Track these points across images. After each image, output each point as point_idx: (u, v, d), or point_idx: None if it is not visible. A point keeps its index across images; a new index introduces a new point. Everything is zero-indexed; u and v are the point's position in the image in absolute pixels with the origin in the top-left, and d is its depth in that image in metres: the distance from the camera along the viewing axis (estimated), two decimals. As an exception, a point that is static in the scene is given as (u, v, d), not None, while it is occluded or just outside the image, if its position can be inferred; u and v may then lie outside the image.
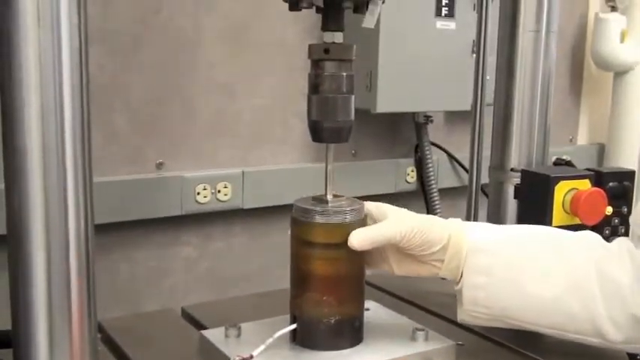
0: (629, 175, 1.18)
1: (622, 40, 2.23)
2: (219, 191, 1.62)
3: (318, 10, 0.88)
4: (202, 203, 1.60)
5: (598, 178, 1.15)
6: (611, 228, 1.15)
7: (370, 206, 0.94)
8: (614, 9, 2.23)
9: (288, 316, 0.94)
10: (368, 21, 0.87)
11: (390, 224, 0.90)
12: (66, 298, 0.76)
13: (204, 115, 1.61)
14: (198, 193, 1.59)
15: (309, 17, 0.92)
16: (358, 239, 0.87)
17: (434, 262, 0.92)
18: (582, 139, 2.47)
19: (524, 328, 0.93)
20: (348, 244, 0.87)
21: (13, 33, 0.73)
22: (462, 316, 0.95)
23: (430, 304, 1.16)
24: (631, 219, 0.99)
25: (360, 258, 0.92)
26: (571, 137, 2.41)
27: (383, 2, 0.88)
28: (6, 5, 0.73)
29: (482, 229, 0.96)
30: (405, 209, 0.94)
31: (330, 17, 0.88)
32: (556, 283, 0.89)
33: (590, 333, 0.89)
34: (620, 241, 0.93)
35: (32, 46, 0.73)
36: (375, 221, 0.92)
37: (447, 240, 0.91)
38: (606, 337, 0.88)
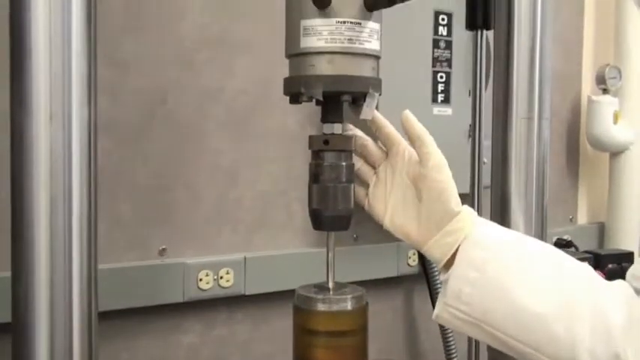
0: (628, 256, 1.19)
1: (615, 122, 2.28)
2: (221, 277, 1.62)
3: (318, 102, 0.92)
4: (204, 290, 1.60)
5: (597, 260, 1.16)
6: (612, 310, 1.15)
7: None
8: (605, 91, 2.29)
9: (291, 406, 0.93)
10: (365, 113, 0.90)
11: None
12: (69, 387, 0.76)
13: (206, 202, 1.64)
14: (201, 280, 1.60)
15: (310, 105, 0.95)
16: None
17: (432, 224, 0.90)
18: (582, 218, 2.48)
19: (498, 340, 0.88)
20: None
21: (25, 129, 0.76)
22: (439, 312, 0.90)
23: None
24: (629, 272, 0.95)
25: (363, 345, 0.92)
26: (571, 217, 2.42)
27: (380, 95, 0.91)
28: (20, 102, 0.76)
29: (491, 225, 0.93)
30: None
31: (330, 110, 0.91)
32: (547, 300, 0.85)
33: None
34: (621, 284, 0.91)
35: (44, 142, 0.76)
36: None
37: (457, 213, 0.90)
38: None
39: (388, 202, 0.95)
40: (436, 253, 0.90)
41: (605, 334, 0.84)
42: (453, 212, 0.90)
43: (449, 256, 0.89)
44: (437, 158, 0.92)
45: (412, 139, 0.94)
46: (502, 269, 0.87)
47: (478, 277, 0.86)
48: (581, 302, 0.86)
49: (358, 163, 0.98)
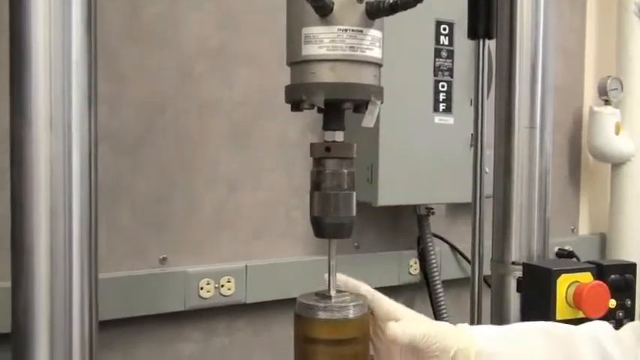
0: (631, 267, 1.18)
1: (617, 133, 2.28)
2: (222, 286, 1.62)
3: (320, 110, 0.91)
4: (205, 298, 1.60)
5: (599, 270, 1.16)
6: (615, 321, 1.15)
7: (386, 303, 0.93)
8: (607, 102, 2.29)
9: (292, 415, 0.92)
10: (367, 121, 0.90)
11: (419, 323, 0.90)
12: (68, 398, 0.75)
13: (206, 211, 1.63)
14: (202, 288, 1.59)
15: (311, 113, 0.95)
16: (402, 333, 0.87)
17: None
18: (584, 229, 2.48)
19: None
20: (390, 334, 0.87)
21: (25, 139, 0.76)
22: None
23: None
24: None
25: (365, 353, 0.91)
26: (573, 227, 2.42)
27: (381, 103, 0.91)
28: (19, 112, 0.76)
29: (487, 331, 0.95)
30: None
31: (331, 117, 0.91)
32: None
33: None
34: (633, 327, 0.91)
35: (43, 152, 0.75)
36: (383, 315, 0.92)
37: (458, 346, 0.90)
38: None
39: (393, 355, 0.95)
40: None
41: None
42: (451, 349, 0.90)
43: None
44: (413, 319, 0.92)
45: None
46: None
47: None
48: None
49: None
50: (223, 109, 1.64)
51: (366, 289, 0.95)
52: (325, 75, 0.87)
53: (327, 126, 0.92)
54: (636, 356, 0.88)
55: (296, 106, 0.91)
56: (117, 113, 1.50)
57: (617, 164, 2.35)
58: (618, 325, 1.14)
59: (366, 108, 0.90)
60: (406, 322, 0.90)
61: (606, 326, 0.94)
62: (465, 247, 1.97)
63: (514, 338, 0.94)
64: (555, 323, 0.96)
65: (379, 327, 0.94)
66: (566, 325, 0.96)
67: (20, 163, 0.76)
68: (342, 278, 0.96)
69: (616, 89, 2.27)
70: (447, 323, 0.96)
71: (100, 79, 0.89)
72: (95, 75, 0.84)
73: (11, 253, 0.77)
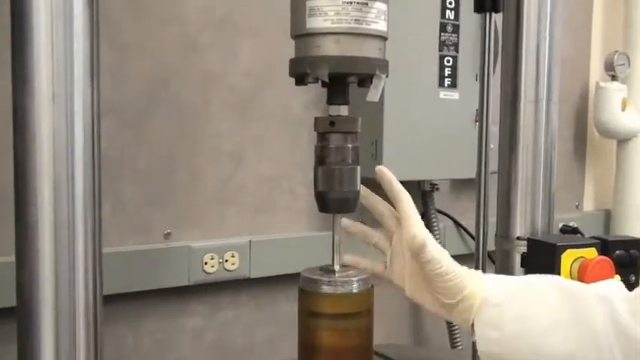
0: (636, 243, 1.18)
1: (623, 109, 2.26)
2: (226, 261, 1.62)
3: (324, 84, 0.91)
4: (210, 273, 1.60)
5: (604, 246, 1.15)
6: (619, 297, 1.15)
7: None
8: (614, 78, 2.27)
9: (296, 388, 0.93)
10: (372, 95, 0.89)
11: (443, 252, 0.90)
12: (74, 369, 0.76)
13: (211, 185, 1.63)
14: (206, 263, 1.60)
15: (315, 88, 0.94)
16: (422, 238, 0.88)
17: (446, 304, 0.91)
18: (588, 205, 2.47)
19: None
20: (410, 236, 0.88)
21: (27, 108, 0.75)
22: None
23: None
24: None
25: (368, 328, 0.92)
26: (577, 203, 2.41)
27: (386, 77, 0.90)
28: (22, 81, 0.75)
29: (496, 281, 0.94)
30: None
31: (336, 92, 0.91)
32: (569, 336, 0.87)
33: None
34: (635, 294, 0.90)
35: (46, 122, 0.75)
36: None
37: (467, 292, 0.90)
38: None
39: (405, 274, 0.95)
40: (458, 320, 0.93)
41: (634, 352, 0.84)
42: (461, 285, 0.91)
43: (471, 322, 0.91)
44: (425, 246, 0.91)
45: (392, 199, 0.95)
46: (517, 320, 0.89)
47: (500, 335, 0.89)
48: (604, 330, 0.86)
49: (375, 236, 0.98)
50: (227, 82, 1.63)
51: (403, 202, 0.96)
52: (330, 48, 0.87)
53: (332, 100, 0.91)
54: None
55: (300, 79, 0.91)
56: (120, 86, 1.49)
57: (623, 140, 2.33)
58: (622, 300, 1.14)
59: (371, 82, 0.90)
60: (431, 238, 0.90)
61: (618, 286, 0.93)
62: (469, 223, 1.97)
63: (523, 289, 0.92)
64: (568, 280, 0.95)
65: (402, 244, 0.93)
66: (579, 282, 0.95)
67: (23, 136, 0.76)
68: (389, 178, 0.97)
69: (623, 64, 2.25)
70: (463, 267, 0.94)
71: (103, 50, 0.88)
72: (97, 46, 0.83)
73: (15, 228, 0.77)
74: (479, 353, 0.91)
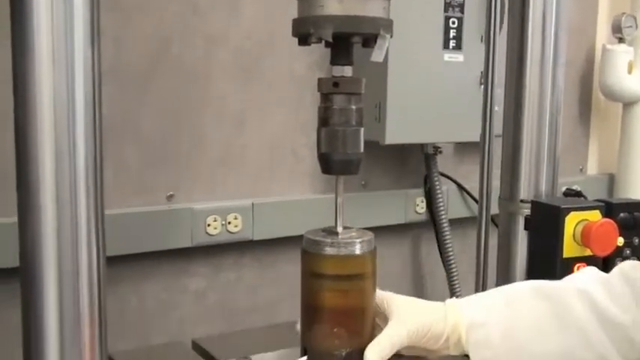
0: (640, 205, 1.18)
1: (629, 72, 2.24)
2: (229, 223, 1.62)
3: (327, 44, 0.89)
4: (212, 235, 1.61)
5: (608, 209, 1.15)
6: (622, 259, 1.15)
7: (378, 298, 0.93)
8: (621, 40, 2.24)
9: (298, 349, 0.93)
10: (376, 55, 0.88)
11: (398, 328, 0.90)
12: (77, 329, 0.76)
13: (214, 147, 1.63)
14: (209, 225, 1.60)
15: (319, 50, 0.93)
16: (376, 355, 0.87)
17: (440, 349, 0.93)
18: (592, 169, 2.47)
19: None
20: None
21: (28, 72, 0.74)
22: None
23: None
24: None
25: (371, 289, 0.92)
26: (581, 167, 2.40)
27: (391, 37, 0.89)
28: (22, 45, 0.74)
29: (475, 301, 0.96)
30: (411, 298, 0.95)
31: (339, 52, 0.89)
32: (558, 338, 0.89)
33: None
34: (621, 269, 0.91)
35: (46, 85, 0.74)
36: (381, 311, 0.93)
37: (448, 328, 0.92)
38: None
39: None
40: (457, 353, 0.94)
41: (627, 341, 0.86)
42: (440, 329, 0.91)
43: (468, 349, 0.92)
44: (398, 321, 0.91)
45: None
46: (505, 335, 0.90)
47: (492, 353, 0.91)
48: (589, 323, 0.88)
49: None
50: (229, 44, 1.62)
51: None
52: (333, 7, 0.85)
53: (335, 61, 0.90)
54: (624, 298, 0.87)
55: (303, 40, 0.89)
56: (121, 48, 1.48)
57: (629, 104, 2.31)
58: (624, 262, 1.15)
59: (375, 42, 0.88)
60: (383, 340, 0.89)
61: (594, 273, 0.93)
62: (472, 187, 1.97)
63: (503, 302, 0.94)
64: (543, 281, 0.96)
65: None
66: (554, 281, 0.95)
67: (24, 99, 0.75)
68: None
69: (630, 27, 2.22)
70: (435, 304, 0.95)
71: (103, 13, 0.87)
72: (98, 9, 0.81)
73: (17, 190, 0.76)
74: None
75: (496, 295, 0.97)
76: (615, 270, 0.91)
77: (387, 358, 0.88)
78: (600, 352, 0.87)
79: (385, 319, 0.92)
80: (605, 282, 0.91)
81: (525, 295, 0.93)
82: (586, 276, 0.94)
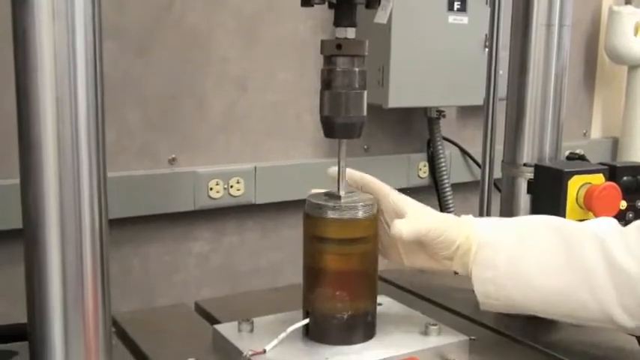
0: (644, 169, 1.17)
1: (636, 34, 2.21)
2: (231, 186, 1.62)
3: (331, 5, 0.88)
4: (215, 198, 1.61)
5: (612, 172, 1.15)
6: (625, 222, 1.14)
7: (393, 198, 0.95)
8: (628, 2, 2.21)
9: (300, 311, 0.94)
10: (380, 16, 0.87)
11: (423, 218, 0.92)
12: (80, 291, 0.76)
13: (216, 111, 1.62)
14: (211, 189, 1.60)
15: (322, 13, 0.92)
16: (407, 230, 0.89)
17: (445, 260, 0.94)
18: (596, 132, 2.45)
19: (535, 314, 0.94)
20: (395, 232, 0.89)
21: (28, 27, 0.73)
22: (482, 307, 0.96)
23: (443, 299, 1.16)
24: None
25: (373, 253, 0.92)
26: (585, 131, 2.39)
27: (395, -3, 0.88)
28: (21, 2, 0.73)
29: (489, 223, 0.96)
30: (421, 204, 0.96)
31: (343, 13, 0.88)
32: (562, 274, 0.89)
33: (601, 320, 0.89)
34: (638, 225, 0.91)
35: (47, 41, 0.73)
36: (390, 209, 0.93)
37: (461, 239, 0.92)
38: (619, 324, 0.88)
39: (399, 247, 0.97)
40: (459, 267, 0.95)
41: (629, 288, 0.86)
42: (454, 235, 0.93)
43: (470, 265, 0.93)
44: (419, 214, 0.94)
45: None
46: (510, 260, 0.91)
47: (495, 274, 0.91)
48: (596, 265, 0.87)
49: None
50: (232, 6, 1.60)
51: (375, 183, 0.98)
52: (337, -33, 0.84)
53: (339, 22, 0.89)
54: (638, 250, 0.87)
55: (306, 0, 0.88)
56: (122, 8, 1.46)
57: (634, 66, 2.29)
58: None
59: (379, 3, 0.87)
60: (410, 219, 0.92)
61: (612, 223, 0.93)
62: (475, 151, 1.96)
63: (516, 229, 0.94)
64: (561, 218, 0.97)
65: (386, 222, 0.94)
66: (571, 221, 0.96)
67: (24, 56, 0.74)
68: (355, 173, 0.98)
69: (638, -13, 2.20)
70: (452, 215, 0.97)
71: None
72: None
73: (19, 150, 0.76)
74: (475, 293, 0.94)
75: (511, 222, 0.98)
76: (634, 224, 0.91)
77: (417, 236, 0.90)
78: (600, 298, 0.87)
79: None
80: (622, 231, 0.91)
81: (540, 227, 0.94)
82: (604, 222, 0.94)
